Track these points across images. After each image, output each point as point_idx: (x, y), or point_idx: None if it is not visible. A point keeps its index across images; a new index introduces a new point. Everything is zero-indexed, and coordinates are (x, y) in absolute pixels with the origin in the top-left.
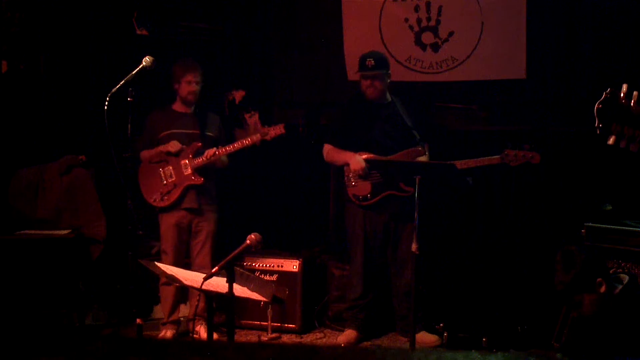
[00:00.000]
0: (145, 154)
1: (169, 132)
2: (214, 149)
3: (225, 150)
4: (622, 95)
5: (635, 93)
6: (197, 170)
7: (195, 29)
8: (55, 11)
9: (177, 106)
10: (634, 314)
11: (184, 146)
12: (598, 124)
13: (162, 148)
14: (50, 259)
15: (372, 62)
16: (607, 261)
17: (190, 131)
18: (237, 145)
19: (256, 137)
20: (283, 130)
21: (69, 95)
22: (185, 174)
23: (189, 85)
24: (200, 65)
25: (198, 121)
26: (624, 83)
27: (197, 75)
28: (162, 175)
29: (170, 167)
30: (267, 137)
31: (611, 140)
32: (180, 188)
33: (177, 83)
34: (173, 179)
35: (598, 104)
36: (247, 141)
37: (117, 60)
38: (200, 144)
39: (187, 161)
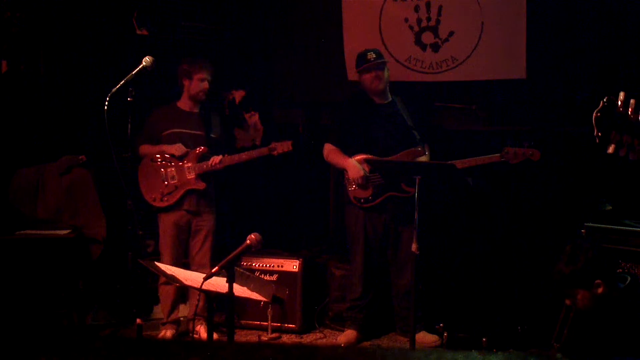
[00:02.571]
0: (145, 148)
1: (173, 130)
2: (220, 156)
3: (232, 159)
4: (619, 103)
5: (632, 101)
6: (201, 176)
7: (195, 29)
8: (55, 11)
9: (183, 104)
10: (634, 314)
11: (188, 149)
12: (597, 132)
13: (165, 148)
14: (50, 259)
15: (373, 54)
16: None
17: (196, 132)
18: (243, 156)
19: (263, 152)
20: (290, 148)
21: (69, 95)
22: (189, 177)
23: (201, 82)
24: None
25: (203, 122)
26: (621, 91)
27: (210, 73)
28: (164, 175)
29: (173, 169)
30: (274, 153)
31: (611, 149)
32: (181, 191)
33: (187, 79)
34: (175, 181)
35: (596, 113)
36: (254, 153)
37: (117, 60)
38: (205, 148)
39: (191, 165)
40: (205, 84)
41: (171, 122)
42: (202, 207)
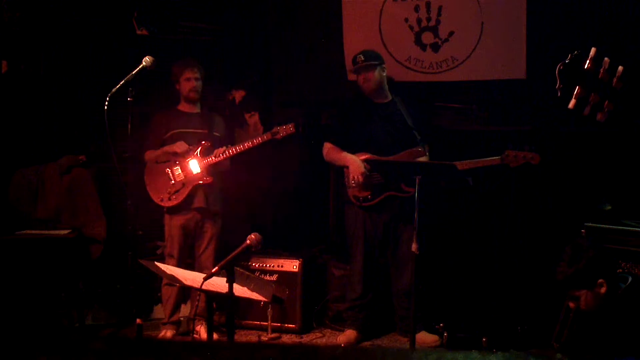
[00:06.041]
0: (149, 154)
1: (176, 131)
2: (223, 147)
3: (236, 149)
4: (589, 59)
5: (606, 60)
6: (207, 170)
7: (195, 29)
8: (55, 11)
9: (183, 106)
10: (635, 314)
11: (191, 146)
12: (559, 85)
13: (167, 148)
14: (50, 259)
15: (362, 57)
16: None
17: (199, 130)
18: (247, 144)
19: (266, 136)
20: (293, 130)
21: (69, 95)
22: (195, 173)
23: (188, 82)
24: (198, 62)
25: (206, 121)
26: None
27: (195, 71)
28: (170, 174)
29: (179, 167)
30: (278, 136)
31: (571, 104)
32: (188, 187)
33: (177, 83)
34: (182, 178)
35: (560, 65)
36: (257, 140)
37: (117, 60)
38: (209, 142)
39: (196, 160)
40: (192, 83)
41: (173, 124)
42: (210, 205)
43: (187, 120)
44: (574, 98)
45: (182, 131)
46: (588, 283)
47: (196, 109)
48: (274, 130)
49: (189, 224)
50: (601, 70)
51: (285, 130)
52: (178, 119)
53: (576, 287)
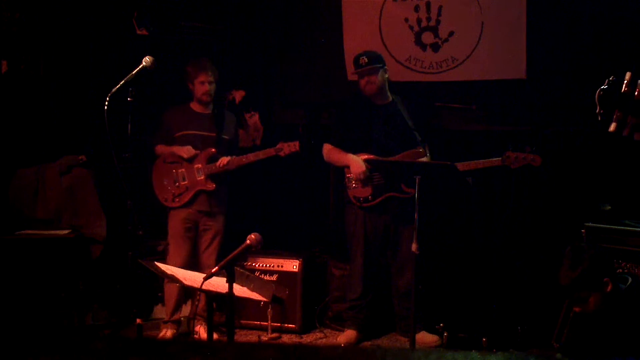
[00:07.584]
0: (160, 149)
1: (185, 132)
2: (228, 158)
3: (240, 160)
4: (625, 82)
5: (639, 82)
6: (210, 177)
7: (195, 29)
8: (55, 11)
9: (195, 105)
10: (635, 315)
11: (198, 151)
12: (599, 110)
13: (176, 150)
14: (50, 259)
15: (365, 59)
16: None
17: (207, 133)
18: (251, 157)
19: (270, 152)
20: (297, 148)
21: (69, 95)
22: (198, 179)
23: (202, 85)
24: (212, 63)
25: (215, 123)
26: (627, 72)
27: (210, 74)
28: (175, 176)
29: (184, 170)
30: (281, 154)
31: (612, 127)
32: (192, 192)
33: (190, 83)
34: (186, 182)
35: (599, 91)
36: (261, 155)
37: (117, 60)
38: (214, 150)
39: (200, 166)
40: (206, 87)
41: (184, 124)
42: (213, 207)
43: (197, 121)
44: (614, 121)
45: (191, 133)
46: (594, 284)
47: (208, 110)
48: (278, 146)
49: (190, 219)
50: (636, 93)
51: (289, 147)
52: (188, 119)
53: (582, 290)
